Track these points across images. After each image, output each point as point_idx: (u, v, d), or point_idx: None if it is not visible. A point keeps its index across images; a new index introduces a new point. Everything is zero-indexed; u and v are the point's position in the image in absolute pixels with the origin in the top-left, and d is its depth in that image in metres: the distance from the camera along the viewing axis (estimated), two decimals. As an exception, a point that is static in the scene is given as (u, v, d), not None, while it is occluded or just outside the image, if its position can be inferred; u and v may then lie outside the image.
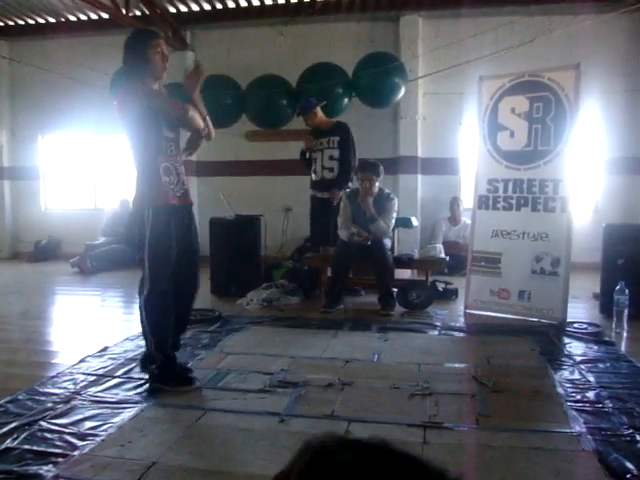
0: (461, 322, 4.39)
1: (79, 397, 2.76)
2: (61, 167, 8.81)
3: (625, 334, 3.91)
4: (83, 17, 7.99)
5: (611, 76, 6.79)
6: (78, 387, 2.91)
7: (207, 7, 7.68)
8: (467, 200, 6.71)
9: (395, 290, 4.80)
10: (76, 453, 2.17)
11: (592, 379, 2.99)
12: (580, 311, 4.62)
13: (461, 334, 4.06)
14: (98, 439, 2.30)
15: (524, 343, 3.73)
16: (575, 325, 4.05)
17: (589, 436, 2.29)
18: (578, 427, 2.39)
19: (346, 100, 6.87)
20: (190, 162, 7.82)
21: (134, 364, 3.22)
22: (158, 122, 2.84)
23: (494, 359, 3.37)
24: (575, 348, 3.61)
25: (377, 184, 4.77)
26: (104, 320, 4.69)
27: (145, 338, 3.00)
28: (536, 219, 4.33)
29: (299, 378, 3.01)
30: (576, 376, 3.05)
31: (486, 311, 4.50)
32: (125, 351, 3.55)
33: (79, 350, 3.58)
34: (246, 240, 5.47)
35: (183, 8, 7.69)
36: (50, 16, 8.00)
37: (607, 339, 3.78)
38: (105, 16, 7.54)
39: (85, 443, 2.25)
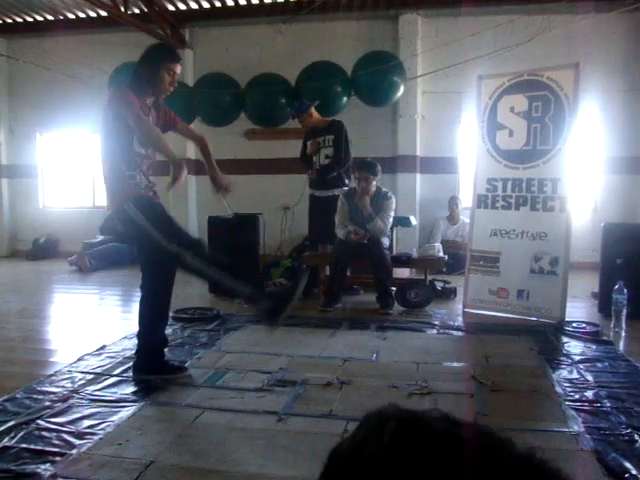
0: (460, 321, 4.39)
1: (77, 396, 2.76)
2: (59, 165, 8.80)
3: (623, 333, 3.91)
4: (82, 15, 7.97)
5: (610, 75, 6.79)
6: (76, 386, 2.90)
7: (206, 5, 7.66)
8: (466, 199, 6.71)
9: (394, 289, 4.80)
10: (74, 452, 2.16)
11: (590, 378, 2.99)
12: (579, 310, 4.62)
13: (460, 333, 4.06)
14: (96, 438, 2.29)
15: (522, 342, 3.73)
16: (574, 324, 4.05)
17: (587, 435, 2.29)
18: (576, 426, 2.39)
19: (345, 99, 6.87)
20: (189, 161, 7.84)
21: (132, 362, 3.22)
22: (130, 135, 2.82)
23: (492, 358, 3.37)
24: (574, 347, 3.61)
25: (374, 183, 4.77)
26: (102, 318, 4.68)
27: (139, 325, 3.01)
28: (535, 218, 4.33)
29: (297, 377, 3.01)
30: (574, 375, 3.05)
31: (485, 310, 4.50)
32: (123, 350, 3.54)
33: (77, 348, 3.57)
34: (245, 239, 5.45)
35: (182, 6, 7.67)
36: (49, 14, 7.98)
37: (605, 338, 3.79)
38: (104, 14, 7.52)
39: (83, 442, 2.25)
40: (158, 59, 2.88)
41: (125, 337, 3.83)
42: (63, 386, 2.89)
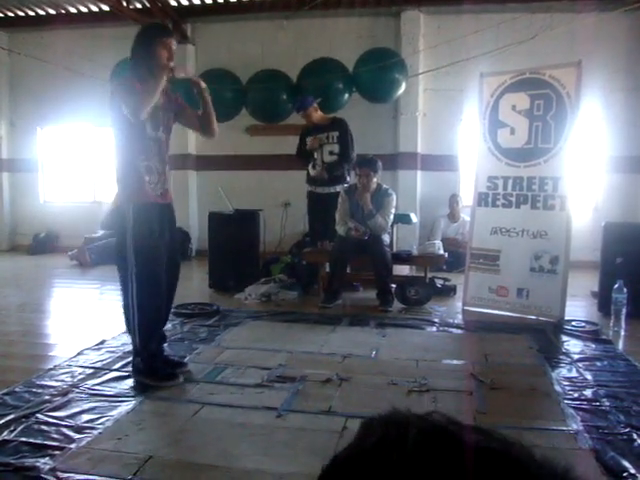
0: (459, 319, 4.39)
1: (76, 390, 2.76)
2: (60, 159, 8.78)
3: (623, 332, 3.90)
4: (83, 9, 7.94)
5: (612, 74, 6.77)
6: (75, 380, 2.91)
7: (208, 0, 7.64)
8: (466, 197, 6.71)
9: (393, 286, 4.80)
10: (73, 446, 2.16)
11: (590, 377, 3.00)
12: (578, 309, 4.62)
13: (459, 331, 4.07)
14: (95, 432, 2.30)
15: (522, 341, 3.73)
16: (573, 323, 4.05)
17: (586, 434, 2.30)
18: (575, 425, 2.39)
19: (346, 95, 6.86)
20: (189, 156, 7.84)
21: (132, 357, 3.22)
22: (140, 123, 2.80)
23: (492, 356, 3.37)
24: (573, 346, 3.62)
25: (375, 180, 4.76)
26: (102, 313, 4.67)
27: (130, 332, 2.99)
28: (535, 217, 4.32)
29: (297, 373, 3.01)
30: (574, 374, 3.06)
31: (484, 308, 4.50)
32: (123, 344, 3.54)
33: (77, 343, 3.58)
34: (245, 235, 5.45)
35: (184, 1, 7.64)
36: (50, 7, 7.95)
37: (605, 337, 3.79)
38: (105, 8, 7.50)
39: (82, 436, 2.25)
40: (151, 36, 2.85)
41: (125, 332, 3.83)
42: (63, 380, 2.90)
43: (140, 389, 2.81)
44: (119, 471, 1.99)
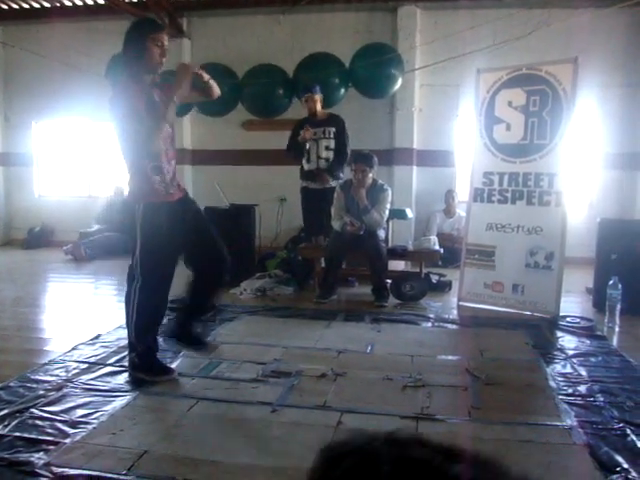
0: (454, 314, 4.40)
1: (71, 385, 2.76)
2: (55, 154, 8.74)
3: (617, 328, 3.92)
4: (78, 2, 7.88)
5: (609, 70, 6.77)
6: (70, 375, 2.90)
7: (204, -6, 7.60)
8: (462, 193, 6.71)
9: (389, 281, 4.80)
10: (67, 441, 2.16)
11: (584, 373, 3.01)
12: (573, 305, 4.63)
13: (454, 326, 4.07)
14: (90, 427, 2.29)
15: (517, 336, 3.74)
16: (568, 319, 4.06)
17: (580, 429, 2.31)
18: (569, 420, 2.40)
19: (343, 90, 6.84)
20: (185, 151, 7.80)
21: (126, 352, 3.21)
22: (144, 126, 2.75)
23: (487, 352, 3.38)
24: (567, 342, 3.63)
25: (370, 175, 4.76)
26: (97, 308, 4.67)
27: (127, 326, 2.99)
28: (531, 213, 4.33)
29: (292, 368, 3.01)
30: (568, 370, 3.07)
31: (479, 304, 4.51)
32: (118, 339, 3.53)
33: (71, 338, 3.57)
34: (240, 230, 5.45)
35: (180, -5, 7.61)
36: (45, 0, 7.89)
37: (599, 333, 3.80)
38: (101, 1, 7.45)
39: (77, 431, 2.25)
40: (141, 33, 2.79)
41: (120, 326, 3.81)
42: (57, 375, 2.89)
43: (135, 384, 2.81)
44: (114, 466, 1.99)
